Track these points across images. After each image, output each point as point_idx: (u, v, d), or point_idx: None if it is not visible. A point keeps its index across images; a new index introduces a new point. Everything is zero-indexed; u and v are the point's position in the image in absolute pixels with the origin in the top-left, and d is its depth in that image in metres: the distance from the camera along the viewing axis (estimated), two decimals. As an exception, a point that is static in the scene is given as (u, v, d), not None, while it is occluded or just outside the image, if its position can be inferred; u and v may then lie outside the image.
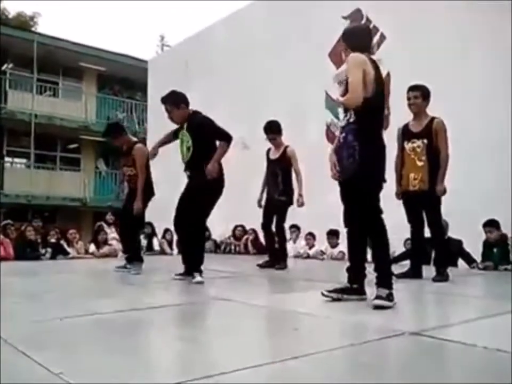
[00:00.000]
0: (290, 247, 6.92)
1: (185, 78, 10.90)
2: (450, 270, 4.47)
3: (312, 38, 8.69)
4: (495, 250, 5.85)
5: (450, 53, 6.84)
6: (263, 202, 5.84)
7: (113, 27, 54.51)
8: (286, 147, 5.70)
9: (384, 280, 2.86)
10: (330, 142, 8.65)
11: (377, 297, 2.78)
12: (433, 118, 4.46)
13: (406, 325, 2.32)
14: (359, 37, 3.22)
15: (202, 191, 4.12)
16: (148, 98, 13.90)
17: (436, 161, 4.39)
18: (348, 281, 3.07)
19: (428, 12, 7.16)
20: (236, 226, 8.95)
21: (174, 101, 4.34)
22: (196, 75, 10.95)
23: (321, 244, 7.94)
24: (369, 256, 3.17)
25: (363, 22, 8.31)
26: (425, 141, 4.41)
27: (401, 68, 7.11)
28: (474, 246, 5.98)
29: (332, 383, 1.54)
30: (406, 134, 4.57)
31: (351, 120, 2.94)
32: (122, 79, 19.27)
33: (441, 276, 4.31)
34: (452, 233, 5.93)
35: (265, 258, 5.82)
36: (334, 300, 2.97)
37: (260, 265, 5.64)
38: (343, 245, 7.78)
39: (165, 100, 4.36)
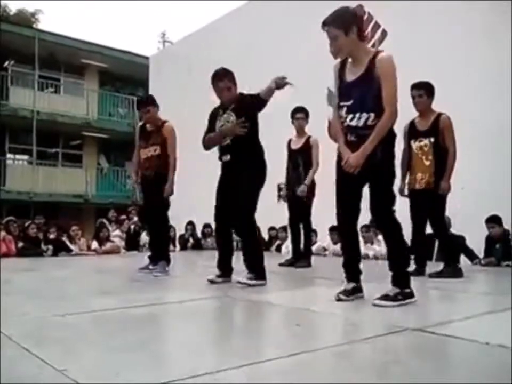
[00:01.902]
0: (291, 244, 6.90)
1: (186, 74, 10.90)
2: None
3: (314, 34, 8.64)
4: (497, 246, 5.84)
5: (452, 49, 6.83)
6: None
7: (115, 24, 54.46)
8: (309, 137, 5.56)
9: (398, 279, 2.79)
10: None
11: (382, 296, 2.73)
12: (439, 115, 4.39)
13: (408, 321, 2.33)
14: (362, 21, 2.91)
15: (251, 178, 3.71)
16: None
17: (443, 159, 4.33)
18: (348, 280, 2.96)
19: (428, 7, 7.14)
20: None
21: (232, 78, 3.88)
22: (197, 71, 10.94)
23: (323, 240, 7.94)
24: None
25: (365, 18, 8.29)
26: (432, 139, 4.35)
27: (402, 64, 7.07)
28: (476, 242, 5.97)
29: (333, 379, 1.55)
30: (412, 132, 4.49)
31: (370, 123, 2.75)
32: (123, 76, 19.25)
33: (455, 272, 4.26)
34: (454, 229, 5.93)
35: (268, 254, 5.76)
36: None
37: (282, 264, 5.46)
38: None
39: (223, 75, 3.86)
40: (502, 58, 6.36)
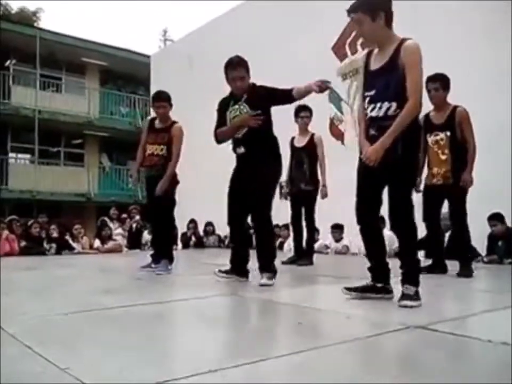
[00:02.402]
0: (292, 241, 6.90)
1: (187, 72, 10.89)
2: (450, 264, 4.44)
3: (315, 31, 8.65)
4: (499, 243, 5.84)
5: (452, 49, 6.81)
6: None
7: (116, 22, 54.46)
8: (313, 134, 5.55)
9: (412, 277, 2.68)
10: (334, 136, 8.63)
11: (405, 296, 2.63)
12: (455, 108, 4.26)
13: (410, 319, 2.32)
14: (389, 7, 2.69)
15: (267, 173, 3.62)
16: (151, 93, 13.88)
17: (459, 153, 4.20)
18: (371, 279, 2.85)
19: (428, 7, 7.12)
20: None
21: (248, 67, 3.76)
22: (198, 70, 10.93)
23: (325, 238, 7.95)
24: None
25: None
26: (448, 133, 4.22)
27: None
28: (479, 239, 5.96)
29: (337, 378, 1.55)
30: (428, 126, 4.33)
31: (391, 113, 2.63)
32: (125, 74, 19.26)
33: (467, 271, 4.18)
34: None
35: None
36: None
37: (284, 262, 5.41)
38: (347, 239, 7.80)
39: (240, 64, 3.74)
40: (502, 58, 6.34)
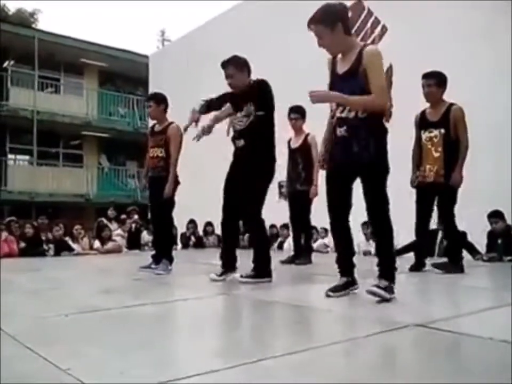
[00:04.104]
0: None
1: (186, 72, 10.88)
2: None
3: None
4: (499, 241, 5.84)
5: (451, 48, 6.81)
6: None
7: (114, 23, 54.42)
8: (307, 135, 5.56)
9: (387, 273, 2.80)
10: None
11: (375, 286, 2.74)
12: (450, 105, 4.26)
13: (410, 317, 2.32)
14: (346, 16, 2.91)
15: (256, 171, 3.68)
16: (149, 93, 13.88)
17: (453, 151, 4.21)
18: (341, 275, 2.99)
19: (428, 7, 7.12)
20: (237, 221, 8.95)
21: (237, 64, 3.85)
22: (196, 70, 10.93)
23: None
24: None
25: (364, 13, 8.28)
26: (442, 130, 4.22)
27: (403, 60, 7.08)
28: (479, 237, 5.97)
29: (337, 377, 1.55)
30: (422, 122, 4.38)
31: (361, 115, 2.77)
32: (123, 75, 19.25)
33: (455, 268, 4.23)
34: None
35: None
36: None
37: (283, 261, 5.45)
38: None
39: (226, 64, 3.85)
40: (502, 58, 6.34)
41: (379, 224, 2.88)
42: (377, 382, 1.48)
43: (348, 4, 8.25)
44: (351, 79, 2.79)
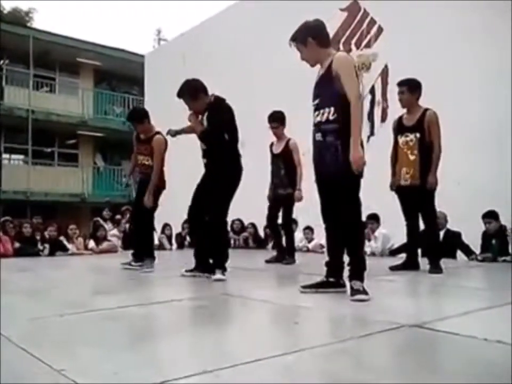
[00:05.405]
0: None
1: (182, 72, 10.83)
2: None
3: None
4: (494, 241, 5.85)
5: (451, 48, 6.82)
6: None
7: (110, 22, 54.29)
8: (288, 140, 5.63)
9: (358, 273, 2.92)
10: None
11: (355, 290, 2.85)
12: (425, 110, 4.43)
13: (405, 318, 2.33)
14: (324, 31, 3.18)
15: (220, 181, 3.95)
16: (145, 92, 13.85)
17: (428, 155, 4.38)
18: (325, 275, 3.12)
19: (428, 6, 7.13)
20: (234, 221, 8.95)
21: (190, 92, 4.04)
22: (192, 69, 10.91)
23: (320, 237, 7.94)
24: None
25: (360, 14, 8.29)
26: (417, 134, 4.40)
27: (398, 60, 7.09)
28: (473, 237, 5.98)
29: (332, 377, 1.55)
30: (399, 127, 4.59)
31: (331, 117, 2.95)
32: (119, 74, 19.20)
33: (436, 268, 4.31)
34: (451, 225, 5.95)
35: (264, 252, 5.83)
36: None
37: (268, 261, 5.60)
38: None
39: (180, 94, 4.07)
40: (502, 58, 6.36)
41: (348, 225, 2.99)
42: (373, 382, 1.48)
43: (344, 4, 8.39)
44: (326, 84, 3.02)
